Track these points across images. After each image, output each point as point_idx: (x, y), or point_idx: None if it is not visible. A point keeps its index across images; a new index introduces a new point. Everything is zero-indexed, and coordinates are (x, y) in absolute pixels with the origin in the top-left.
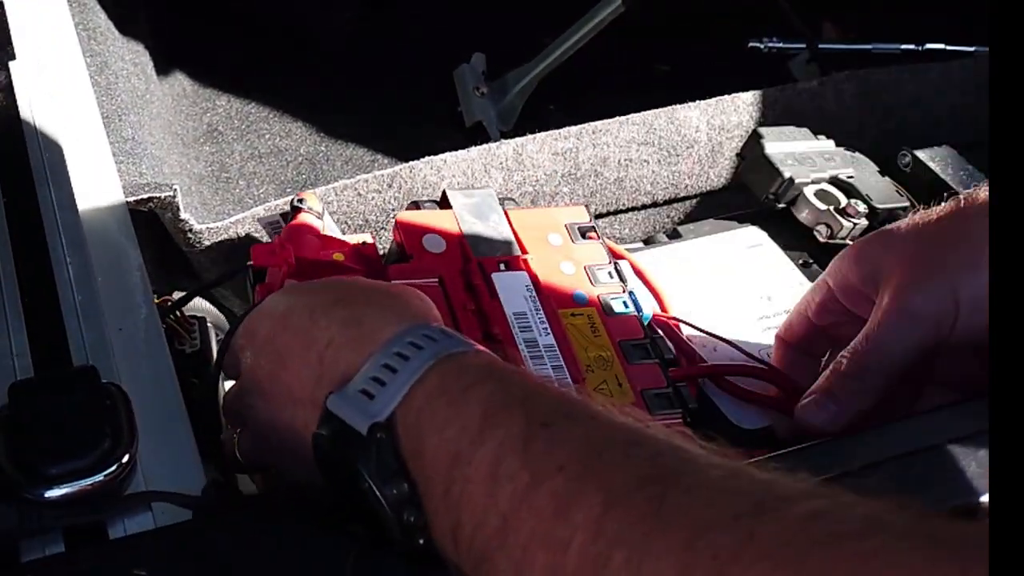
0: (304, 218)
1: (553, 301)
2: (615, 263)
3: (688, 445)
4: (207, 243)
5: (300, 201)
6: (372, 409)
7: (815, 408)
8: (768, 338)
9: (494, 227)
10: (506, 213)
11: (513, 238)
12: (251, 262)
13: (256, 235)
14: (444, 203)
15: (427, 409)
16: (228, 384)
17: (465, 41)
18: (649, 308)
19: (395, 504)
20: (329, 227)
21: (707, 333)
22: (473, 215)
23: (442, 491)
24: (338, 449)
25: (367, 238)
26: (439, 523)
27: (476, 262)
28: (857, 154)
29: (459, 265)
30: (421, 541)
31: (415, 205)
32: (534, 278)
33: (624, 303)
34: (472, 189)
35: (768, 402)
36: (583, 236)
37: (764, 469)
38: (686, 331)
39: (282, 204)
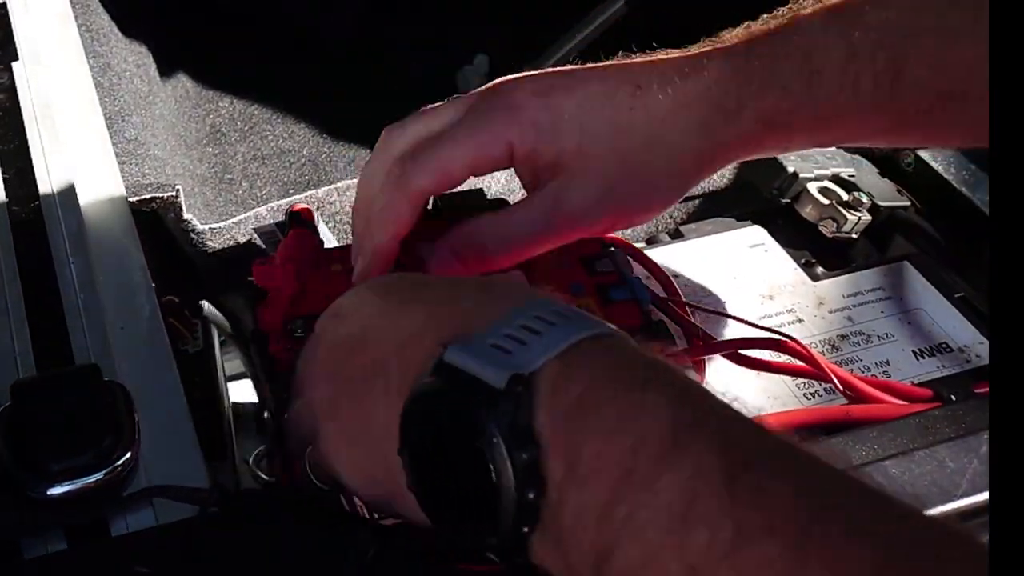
0: (300, 231)
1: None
2: (611, 251)
3: (915, 510)
4: (210, 243)
5: (294, 214)
6: (513, 362)
7: (437, 265)
8: None
9: None
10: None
11: None
12: (252, 279)
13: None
14: (435, 210)
15: (591, 395)
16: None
17: (467, 43)
18: (647, 294)
19: (523, 473)
20: (324, 236)
21: (710, 311)
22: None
23: (601, 502)
24: (455, 401)
25: None
26: (579, 537)
27: None
28: (857, 156)
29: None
30: (526, 529)
31: None
32: (529, 273)
33: (622, 291)
34: (462, 192)
35: (790, 372)
36: None
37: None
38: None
39: (284, 205)
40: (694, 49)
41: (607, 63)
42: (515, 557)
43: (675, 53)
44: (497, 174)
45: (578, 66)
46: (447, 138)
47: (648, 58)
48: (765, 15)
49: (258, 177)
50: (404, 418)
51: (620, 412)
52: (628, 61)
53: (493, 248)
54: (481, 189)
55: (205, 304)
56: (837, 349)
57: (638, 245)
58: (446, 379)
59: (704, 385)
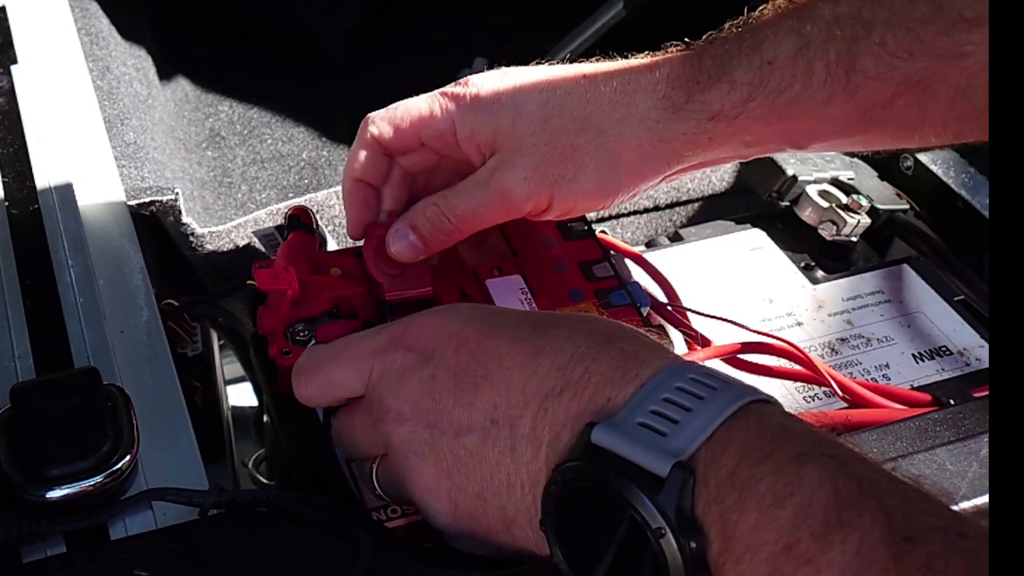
0: (300, 235)
1: (549, 301)
2: (609, 256)
3: None
4: (209, 247)
5: (294, 217)
6: (672, 446)
7: (395, 237)
8: None
9: (485, 233)
10: None
11: (505, 243)
12: (252, 283)
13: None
14: None
15: (747, 471)
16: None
17: (467, 46)
18: (647, 298)
19: (691, 561)
20: (324, 239)
21: (709, 315)
22: None
23: None
24: (614, 488)
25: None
26: None
27: (469, 271)
28: (856, 159)
29: (454, 276)
30: None
31: None
32: (529, 280)
33: (621, 296)
34: None
35: (790, 377)
36: (575, 233)
37: None
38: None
39: (283, 208)
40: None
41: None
42: None
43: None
44: None
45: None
46: (406, 102)
47: (616, 60)
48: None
49: (257, 181)
50: (549, 495)
51: (777, 486)
52: (596, 60)
53: (445, 222)
54: None
55: (204, 307)
56: (837, 352)
57: (637, 249)
58: (598, 462)
59: (864, 456)
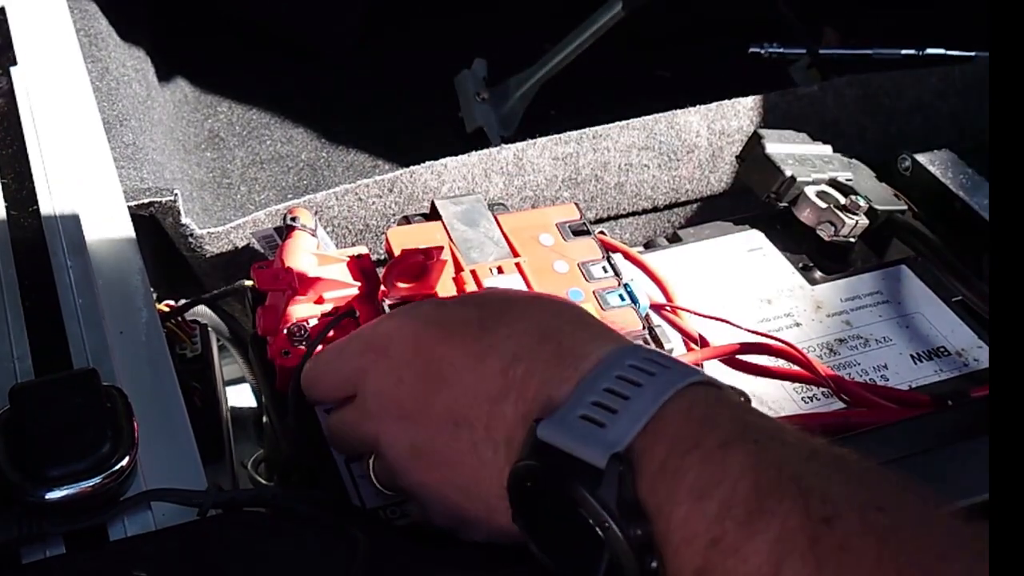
0: (299, 236)
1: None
2: (608, 256)
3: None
4: (208, 248)
5: (293, 219)
6: (608, 437)
7: None
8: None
9: (484, 233)
10: (496, 218)
11: (504, 242)
12: (252, 283)
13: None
14: (433, 213)
15: (675, 461)
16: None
17: (466, 47)
18: (646, 299)
19: (638, 547)
20: (323, 241)
21: (707, 316)
22: (463, 223)
23: (694, 568)
24: (559, 483)
25: (363, 249)
26: None
27: (469, 271)
28: (854, 160)
29: (452, 275)
30: None
31: (406, 220)
32: (528, 280)
33: (620, 296)
34: (460, 197)
35: (788, 377)
36: (574, 234)
37: None
38: (688, 318)
39: (282, 209)
40: None
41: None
42: None
43: None
44: (495, 178)
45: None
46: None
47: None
48: None
49: (256, 182)
50: (512, 493)
51: (703, 477)
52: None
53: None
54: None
55: (203, 308)
56: (835, 353)
57: (636, 250)
58: (544, 460)
59: (788, 431)
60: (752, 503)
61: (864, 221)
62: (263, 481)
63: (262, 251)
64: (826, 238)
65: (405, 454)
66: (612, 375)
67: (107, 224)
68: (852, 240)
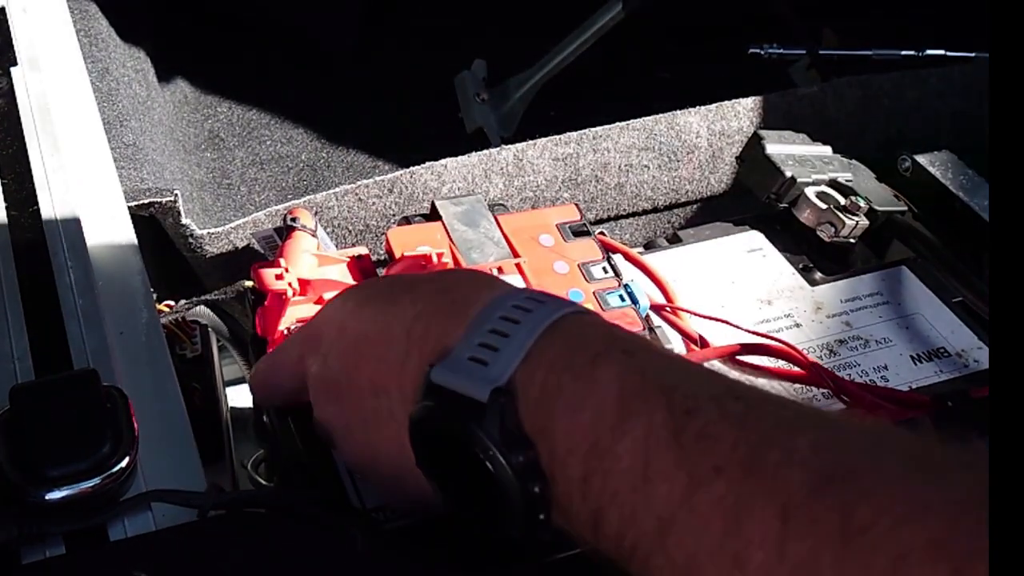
0: (299, 236)
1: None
2: (608, 257)
3: (853, 422)
4: (208, 248)
5: (293, 219)
6: (491, 374)
7: None
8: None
9: (484, 233)
10: (496, 218)
11: (504, 243)
12: (251, 284)
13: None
14: (434, 213)
15: (553, 382)
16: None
17: (466, 47)
18: (646, 299)
19: (522, 473)
20: (323, 242)
21: (707, 317)
22: (463, 223)
23: (579, 477)
24: (449, 420)
25: (363, 250)
26: (575, 508)
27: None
28: (854, 161)
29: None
30: (542, 516)
31: (406, 221)
32: (528, 281)
33: (620, 296)
34: (460, 197)
35: (788, 378)
36: (575, 234)
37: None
38: (688, 318)
39: (282, 210)
40: None
41: None
42: (540, 536)
43: None
44: (495, 179)
45: None
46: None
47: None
48: None
49: (256, 182)
50: (412, 439)
51: (577, 391)
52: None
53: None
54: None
55: (203, 309)
56: (835, 354)
57: (636, 251)
58: (437, 400)
59: (657, 342)
60: (621, 406)
61: (864, 222)
62: (263, 481)
63: (262, 252)
64: (826, 239)
65: (343, 435)
66: (496, 316)
67: (107, 224)
68: (852, 241)
